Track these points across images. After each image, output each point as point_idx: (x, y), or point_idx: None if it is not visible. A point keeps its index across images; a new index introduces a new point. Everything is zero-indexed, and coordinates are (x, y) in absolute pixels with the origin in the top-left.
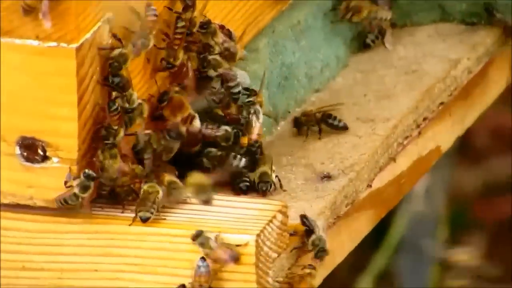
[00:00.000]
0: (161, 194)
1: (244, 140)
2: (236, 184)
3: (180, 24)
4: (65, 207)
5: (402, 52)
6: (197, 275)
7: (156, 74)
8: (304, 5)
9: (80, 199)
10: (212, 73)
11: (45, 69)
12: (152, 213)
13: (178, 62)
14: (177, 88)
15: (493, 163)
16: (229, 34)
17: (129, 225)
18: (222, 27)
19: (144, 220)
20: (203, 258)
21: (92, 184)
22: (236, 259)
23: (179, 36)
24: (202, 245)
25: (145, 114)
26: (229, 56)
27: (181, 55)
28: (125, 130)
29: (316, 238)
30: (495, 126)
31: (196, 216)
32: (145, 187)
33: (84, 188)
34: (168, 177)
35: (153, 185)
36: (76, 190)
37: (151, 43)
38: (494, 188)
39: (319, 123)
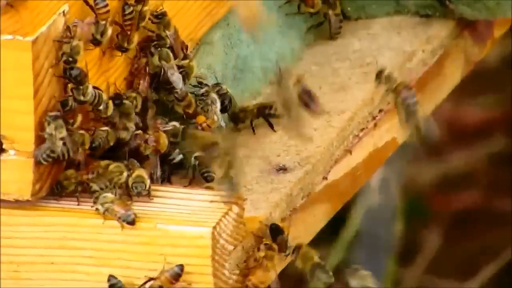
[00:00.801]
0: (124, 176)
1: (200, 120)
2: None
3: (128, 10)
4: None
5: (357, 45)
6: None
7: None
8: None
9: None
10: (163, 64)
11: (1, 62)
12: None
13: (132, 46)
14: (133, 94)
15: (449, 156)
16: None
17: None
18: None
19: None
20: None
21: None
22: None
23: (129, 22)
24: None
25: (101, 107)
26: (185, 75)
27: (135, 39)
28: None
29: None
30: (451, 119)
31: (151, 209)
32: (111, 166)
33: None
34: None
35: (119, 165)
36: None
37: (109, 33)
38: (450, 181)
39: (258, 116)
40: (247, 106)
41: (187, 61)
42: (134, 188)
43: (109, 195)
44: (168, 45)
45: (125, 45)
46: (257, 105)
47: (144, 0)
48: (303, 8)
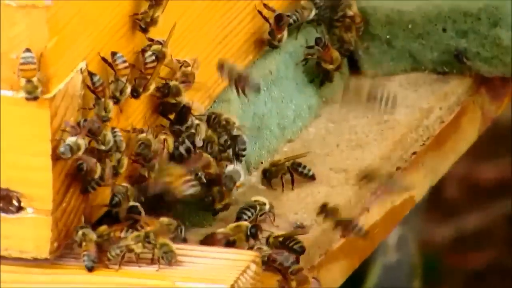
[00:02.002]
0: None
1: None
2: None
3: (149, 59)
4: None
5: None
6: None
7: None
8: (276, 55)
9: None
10: (171, 100)
11: (19, 119)
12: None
13: (147, 94)
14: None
15: (465, 214)
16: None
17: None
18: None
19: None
20: None
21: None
22: None
23: (150, 71)
24: None
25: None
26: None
27: (152, 87)
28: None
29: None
30: (467, 178)
31: (169, 267)
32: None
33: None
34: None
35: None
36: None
37: (128, 91)
38: (466, 240)
39: (290, 172)
40: (279, 160)
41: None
42: (164, 258)
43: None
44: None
45: (140, 91)
46: (290, 159)
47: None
48: (323, 65)
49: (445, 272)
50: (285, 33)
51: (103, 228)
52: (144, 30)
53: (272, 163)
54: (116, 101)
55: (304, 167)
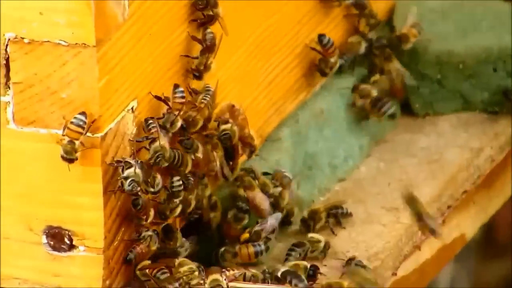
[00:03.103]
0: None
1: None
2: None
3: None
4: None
5: (424, 141)
6: None
7: None
8: (327, 94)
9: None
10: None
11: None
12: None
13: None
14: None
15: None
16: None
17: None
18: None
19: None
20: None
21: None
22: None
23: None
24: None
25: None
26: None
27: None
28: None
29: None
30: None
31: None
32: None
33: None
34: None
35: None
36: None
37: (179, 124)
38: None
39: (329, 218)
40: (318, 209)
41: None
42: None
43: None
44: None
45: (168, 126)
46: (327, 206)
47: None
48: (370, 115)
49: None
50: (337, 59)
51: (146, 263)
52: (199, 78)
53: (310, 212)
54: (166, 132)
55: (341, 208)
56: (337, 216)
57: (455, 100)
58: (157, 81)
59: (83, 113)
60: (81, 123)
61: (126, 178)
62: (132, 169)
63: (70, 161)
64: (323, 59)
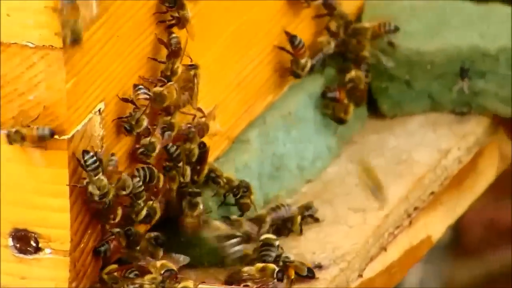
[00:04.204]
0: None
1: None
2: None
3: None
4: None
5: (393, 142)
6: None
7: None
8: (295, 95)
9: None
10: None
11: (37, 160)
12: None
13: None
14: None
15: (488, 255)
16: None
17: None
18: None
19: None
20: None
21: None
22: None
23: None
24: None
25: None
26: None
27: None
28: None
29: None
30: (490, 218)
31: None
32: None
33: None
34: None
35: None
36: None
37: (145, 123)
38: (489, 281)
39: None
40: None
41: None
42: None
43: None
44: None
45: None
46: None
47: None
48: (337, 112)
49: None
50: (308, 60)
51: (113, 267)
52: (167, 81)
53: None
54: (130, 130)
55: (311, 208)
56: (304, 217)
57: (423, 100)
58: (125, 82)
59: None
60: (45, 136)
61: (92, 193)
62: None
63: (10, 143)
64: (294, 60)
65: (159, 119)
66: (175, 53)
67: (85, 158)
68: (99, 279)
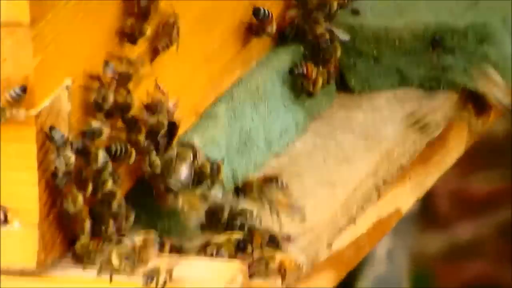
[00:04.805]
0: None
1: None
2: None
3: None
4: None
5: (361, 117)
6: None
7: None
8: (263, 70)
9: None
10: None
11: (5, 135)
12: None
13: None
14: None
15: (456, 226)
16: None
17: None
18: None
19: None
20: None
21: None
22: None
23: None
24: None
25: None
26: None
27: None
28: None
29: None
30: (458, 190)
31: None
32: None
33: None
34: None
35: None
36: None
37: (111, 99)
38: (457, 252)
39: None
40: (251, 179)
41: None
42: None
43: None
44: None
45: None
46: (261, 178)
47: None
48: (306, 86)
49: (436, 284)
50: (274, 27)
51: (86, 240)
52: (133, 42)
53: (244, 183)
54: (99, 109)
55: (276, 180)
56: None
57: (391, 76)
58: (93, 58)
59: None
60: (19, 95)
61: (57, 169)
62: (61, 158)
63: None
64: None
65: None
66: (143, 14)
67: (53, 134)
68: (71, 252)
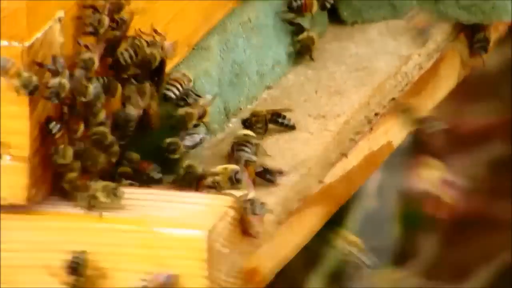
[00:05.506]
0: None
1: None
2: None
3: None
4: None
5: (353, 49)
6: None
7: None
8: (255, 2)
9: None
10: None
11: None
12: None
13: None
14: None
15: (448, 161)
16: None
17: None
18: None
19: None
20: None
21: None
22: None
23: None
24: None
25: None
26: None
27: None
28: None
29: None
30: (449, 125)
31: (147, 211)
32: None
33: None
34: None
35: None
36: None
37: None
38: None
39: (267, 123)
40: (260, 111)
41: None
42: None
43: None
44: None
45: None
46: (270, 111)
47: None
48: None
49: (427, 219)
50: None
51: (72, 175)
52: None
53: (252, 113)
54: (95, 32)
55: (284, 117)
56: (278, 123)
57: (384, 7)
58: None
59: None
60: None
61: (48, 87)
62: (57, 79)
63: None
64: None
65: None
66: None
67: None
68: (59, 189)
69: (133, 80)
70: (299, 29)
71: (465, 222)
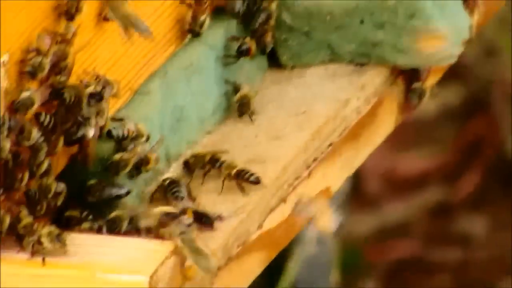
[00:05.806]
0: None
1: None
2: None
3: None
4: None
5: (292, 93)
6: None
7: None
8: (197, 46)
9: None
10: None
11: None
12: None
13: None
14: None
15: (385, 206)
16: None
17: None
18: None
19: None
20: None
21: None
22: None
23: None
24: None
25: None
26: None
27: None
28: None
29: None
30: (387, 170)
31: (90, 257)
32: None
33: None
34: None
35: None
36: None
37: (47, 66)
38: (386, 231)
39: (208, 165)
40: (199, 153)
41: None
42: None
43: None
44: None
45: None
46: (210, 153)
47: None
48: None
49: (365, 264)
50: (207, 18)
51: (28, 220)
52: (70, 19)
53: (192, 155)
54: (33, 74)
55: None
56: (216, 167)
57: (322, 51)
58: (30, 34)
59: None
60: None
61: None
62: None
63: None
64: (193, 16)
65: None
66: None
67: None
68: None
69: None
70: (235, 88)
71: (402, 266)
